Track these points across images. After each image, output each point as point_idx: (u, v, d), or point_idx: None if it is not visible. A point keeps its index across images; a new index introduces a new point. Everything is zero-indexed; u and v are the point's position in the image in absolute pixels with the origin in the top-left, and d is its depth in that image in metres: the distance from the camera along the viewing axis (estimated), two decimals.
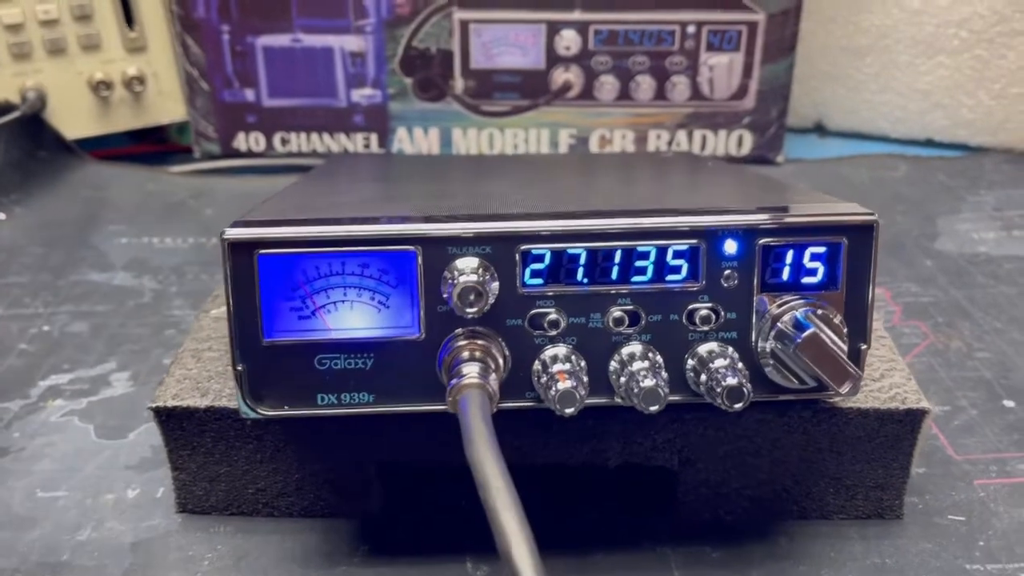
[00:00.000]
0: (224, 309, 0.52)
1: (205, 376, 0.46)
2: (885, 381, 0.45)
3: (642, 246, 0.38)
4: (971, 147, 1.05)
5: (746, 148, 0.98)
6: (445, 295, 0.37)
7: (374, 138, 0.97)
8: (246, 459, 0.46)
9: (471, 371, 0.36)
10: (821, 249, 0.39)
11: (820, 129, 1.12)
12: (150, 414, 0.56)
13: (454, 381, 0.36)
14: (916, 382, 0.45)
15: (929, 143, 1.07)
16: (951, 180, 0.94)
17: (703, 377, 0.38)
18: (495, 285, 0.38)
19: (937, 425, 0.54)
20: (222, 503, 0.47)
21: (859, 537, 0.46)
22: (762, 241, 0.39)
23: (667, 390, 0.37)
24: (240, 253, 0.37)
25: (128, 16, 0.93)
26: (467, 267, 0.37)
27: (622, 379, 0.38)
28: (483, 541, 0.46)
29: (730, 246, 0.38)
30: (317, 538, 0.46)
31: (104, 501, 0.49)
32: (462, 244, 0.38)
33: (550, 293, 0.39)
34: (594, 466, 0.46)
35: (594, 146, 0.98)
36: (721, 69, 0.94)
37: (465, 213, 0.39)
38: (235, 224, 0.38)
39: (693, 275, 0.39)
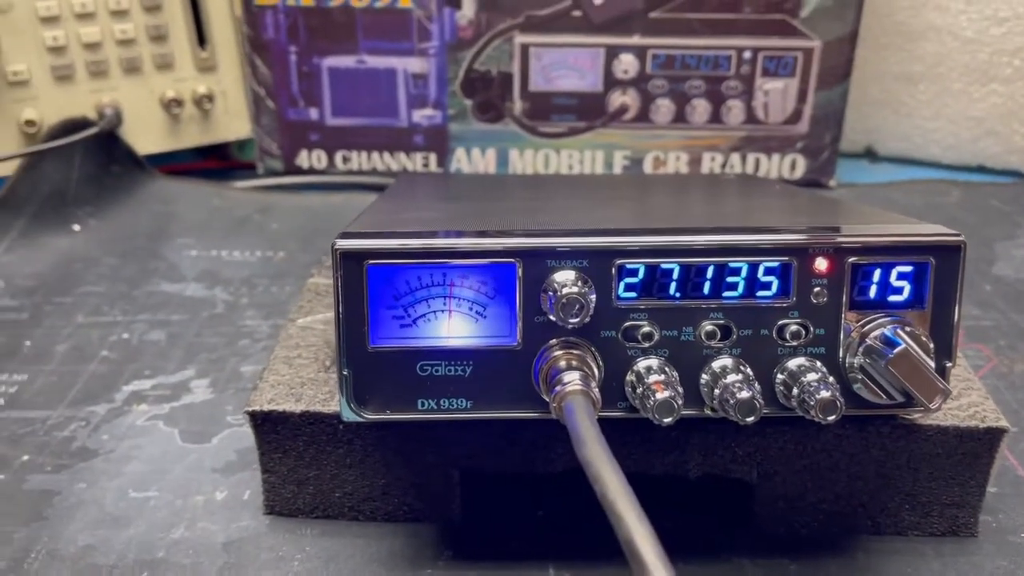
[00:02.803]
0: (311, 319, 0.54)
1: (298, 382, 0.48)
2: (963, 400, 0.46)
3: (734, 262, 0.40)
4: (1023, 174, 1.05)
5: (799, 172, 0.99)
6: (547, 306, 0.39)
7: (433, 157, 0.99)
8: (335, 463, 0.47)
9: (574, 378, 0.37)
10: (908, 268, 0.40)
11: (871, 154, 1.12)
12: (234, 419, 0.58)
13: (558, 388, 0.37)
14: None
15: (980, 169, 1.07)
16: (1005, 206, 0.94)
17: (795, 391, 0.39)
18: (592, 297, 0.39)
19: (1007, 446, 0.55)
20: (308, 506, 0.49)
21: (935, 554, 0.46)
22: (851, 259, 0.40)
23: (762, 401, 0.38)
24: (351, 263, 0.39)
25: (200, 36, 0.96)
26: (566, 279, 0.39)
27: (716, 391, 0.39)
28: (566, 548, 0.47)
29: (821, 264, 0.40)
30: (401, 542, 0.48)
31: (194, 502, 0.51)
32: (561, 257, 0.39)
33: (643, 306, 0.40)
34: (674, 477, 0.47)
35: (648, 167, 1.00)
36: (776, 94, 0.96)
37: (563, 228, 0.40)
38: (344, 235, 0.40)
39: (784, 291, 0.40)
